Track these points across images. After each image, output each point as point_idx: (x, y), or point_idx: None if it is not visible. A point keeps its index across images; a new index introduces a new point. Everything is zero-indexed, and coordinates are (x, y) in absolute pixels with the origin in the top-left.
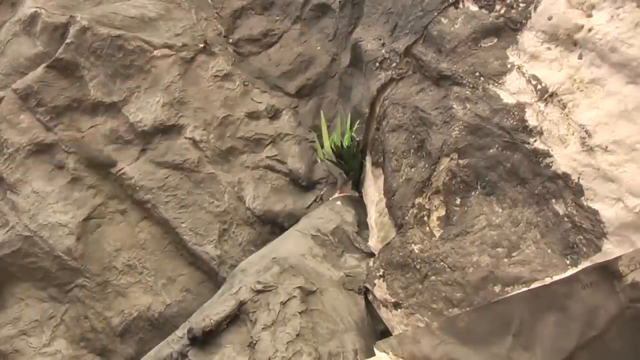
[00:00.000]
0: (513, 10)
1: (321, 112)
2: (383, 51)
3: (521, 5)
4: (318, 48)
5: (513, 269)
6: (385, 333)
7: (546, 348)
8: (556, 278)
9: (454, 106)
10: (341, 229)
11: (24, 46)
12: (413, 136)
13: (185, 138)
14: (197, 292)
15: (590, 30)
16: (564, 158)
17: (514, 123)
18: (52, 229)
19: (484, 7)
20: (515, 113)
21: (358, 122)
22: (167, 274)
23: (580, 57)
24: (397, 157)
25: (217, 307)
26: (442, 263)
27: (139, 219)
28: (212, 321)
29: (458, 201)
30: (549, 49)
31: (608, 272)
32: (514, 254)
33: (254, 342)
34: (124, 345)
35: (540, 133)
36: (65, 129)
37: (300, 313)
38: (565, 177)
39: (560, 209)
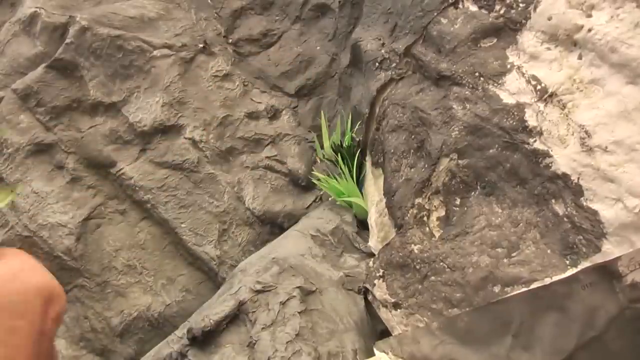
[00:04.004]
0: (513, 11)
1: (321, 112)
2: (383, 51)
3: (521, 5)
4: (318, 48)
5: (513, 269)
6: (385, 333)
7: (546, 348)
8: (556, 278)
9: (454, 106)
10: (341, 229)
11: (24, 46)
12: (413, 136)
13: (185, 138)
14: (196, 292)
15: (590, 30)
16: (564, 158)
17: (514, 123)
18: (52, 229)
19: (484, 8)
20: (515, 113)
21: (359, 122)
22: (167, 274)
23: (580, 58)
24: (396, 157)
25: (216, 307)
26: (441, 263)
27: (138, 219)
28: (211, 321)
29: (458, 201)
30: (548, 49)
31: (608, 272)
32: (513, 254)
33: (254, 342)
34: (124, 345)
35: (540, 133)
36: (65, 129)
37: (299, 313)
38: (564, 177)
39: (560, 209)
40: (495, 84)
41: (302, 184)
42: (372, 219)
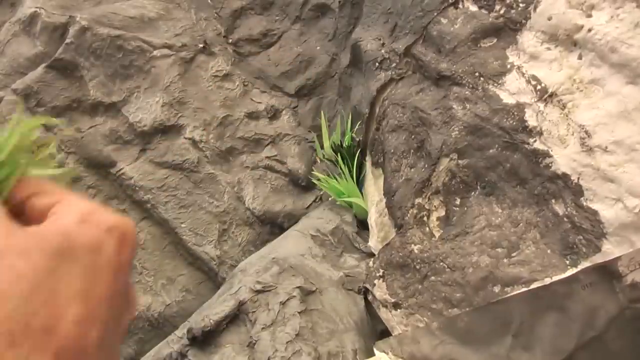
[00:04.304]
0: (513, 11)
1: (321, 112)
2: (383, 51)
3: (521, 5)
4: (318, 48)
5: (513, 269)
6: (385, 333)
7: (546, 348)
8: (556, 278)
9: (454, 106)
10: (341, 229)
11: (24, 46)
12: (413, 136)
13: (185, 138)
14: (196, 292)
15: (590, 30)
16: (564, 158)
17: (514, 123)
18: None
19: (484, 7)
20: (515, 113)
21: (359, 122)
22: (167, 274)
23: (579, 58)
24: (396, 157)
25: (216, 307)
26: (441, 263)
27: (138, 219)
28: (211, 321)
29: (458, 201)
30: (548, 49)
31: (607, 272)
32: (513, 254)
33: (254, 342)
34: (124, 345)
35: (540, 133)
36: (65, 129)
37: (299, 313)
38: (564, 177)
39: (559, 209)
40: (495, 84)
41: (302, 184)
42: (372, 219)
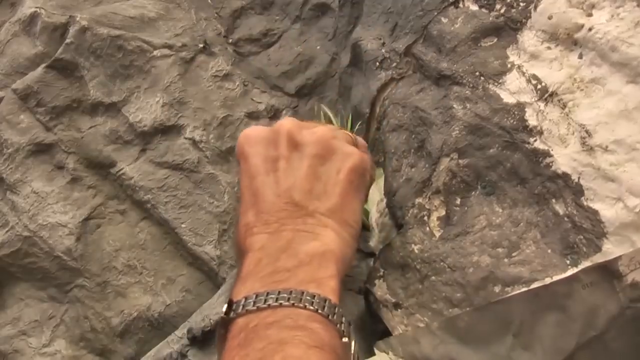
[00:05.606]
0: (513, 10)
1: (321, 112)
2: (383, 51)
3: (521, 4)
4: (318, 48)
5: (513, 269)
6: (385, 333)
7: (546, 348)
8: (556, 278)
9: (454, 106)
10: None
11: (24, 46)
12: (413, 136)
13: (185, 138)
14: (197, 292)
15: (590, 29)
16: (564, 158)
17: (514, 123)
18: (52, 229)
19: (484, 7)
20: (515, 113)
21: (359, 122)
22: (167, 274)
23: (580, 57)
24: (397, 157)
25: (216, 307)
26: (442, 263)
27: (138, 219)
28: (211, 321)
29: (458, 201)
30: (549, 48)
31: (608, 272)
32: (514, 254)
33: None
34: (124, 345)
35: (540, 133)
36: (65, 129)
37: None
38: (565, 176)
39: (560, 208)
40: (496, 84)
41: None
42: (372, 219)
